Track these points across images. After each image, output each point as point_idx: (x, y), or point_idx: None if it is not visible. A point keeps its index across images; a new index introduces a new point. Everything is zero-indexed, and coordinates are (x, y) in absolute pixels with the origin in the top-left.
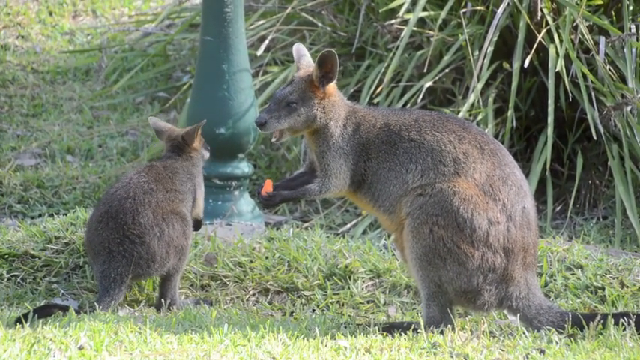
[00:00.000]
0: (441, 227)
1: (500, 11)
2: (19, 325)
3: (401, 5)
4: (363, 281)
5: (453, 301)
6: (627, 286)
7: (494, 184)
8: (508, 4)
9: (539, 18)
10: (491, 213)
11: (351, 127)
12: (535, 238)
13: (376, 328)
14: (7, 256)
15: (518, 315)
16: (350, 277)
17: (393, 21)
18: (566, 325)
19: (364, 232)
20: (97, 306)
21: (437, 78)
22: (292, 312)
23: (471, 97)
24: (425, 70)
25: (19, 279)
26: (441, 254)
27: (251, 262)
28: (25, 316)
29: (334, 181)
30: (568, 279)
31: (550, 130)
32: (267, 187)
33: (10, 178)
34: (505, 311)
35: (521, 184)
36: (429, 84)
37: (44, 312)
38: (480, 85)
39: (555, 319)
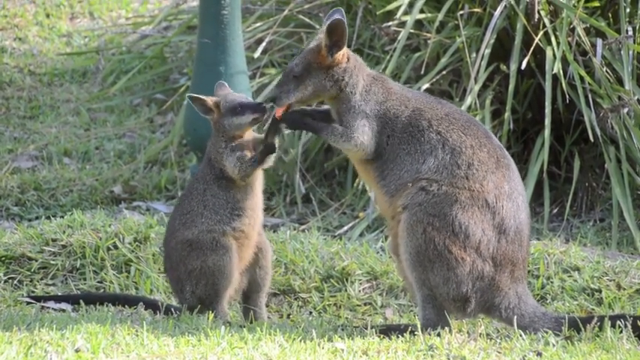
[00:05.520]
0: (435, 229)
1: (497, 13)
2: (15, 328)
3: (398, 7)
4: (360, 283)
5: (444, 308)
6: (624, 289)
7: (499, 197)
8: (505, 6)
9: (536, 20)
10: (487, 224)
11: (377, 95)
12: (525, 254)
13: (373, 330)
14: (3, 258)
15: (514, 324)
16: (347, 280)
17: (390, 23)
18: (562, 330)
19: (361, 235)
20: None
21: (434, 80)
22: (289, 314)
23: (468, 99)
24: (422, 72)
25: (15, 281)
26: (430, 257)
27: None
28: None
29: (358, 135)
30: (565, 281)
31: (547, 132)
32: (279, 111)
33: (7, 180)
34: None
35: (522, 200)
36: (426, 86)
37: None
38: (477, 87)
39: (551, 325)
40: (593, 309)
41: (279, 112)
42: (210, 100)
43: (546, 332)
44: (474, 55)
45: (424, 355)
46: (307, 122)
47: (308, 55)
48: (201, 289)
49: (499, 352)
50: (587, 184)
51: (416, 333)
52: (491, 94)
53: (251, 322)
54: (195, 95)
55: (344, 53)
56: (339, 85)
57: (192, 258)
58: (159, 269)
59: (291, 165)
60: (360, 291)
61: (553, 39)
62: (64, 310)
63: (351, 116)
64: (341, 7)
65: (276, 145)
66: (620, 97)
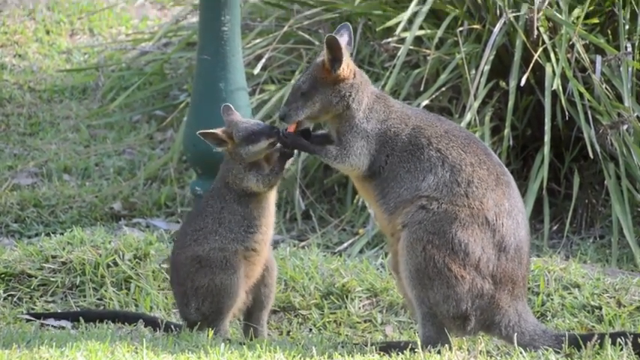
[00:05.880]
0: (435, 246)
1: (496, 30)
2: (15, 345)
3: (397, 24)
4: (360, 300)
5: (444, 325)
6: (624, 306)
7: (499, 215)
8: (504, 22)
9: (535, 37)
10: (487, 242)
11: (379, 114)
12: (525, 272)
13: (373, 347)
14: (3, 275)
15: (514, 342)
16: (347, 297)
17: (389, 39)
18: (562, 347)
19: (361, 251)
20: None
21: (433, 96)
22: (289, 331)
23: (468, 116)
24: (422, 89)
25: (15, 299)
26: (430, 275)
27: None
28: None
29: (352, 158)
30: (565, 298)
31: (547, 148)
32: (290, 129)
33: (7, 197)
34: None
35: (522, 217)
36: (425, 102)
37: None
38: (476, 104)
39: (551, 343)
40: (593, 326)
41: (290, 128)
42: (221, 132)
43: (546, 350)
44: (473, 71)
45: None
46: (303, 143)
47: (314, 72)
48: (207, 306)
49: None
50: (586, 200)
51: (416, 350)
52: (491, 111)
53: (251, 339)
54: (206, 131)
55: (351, 69)
56: (345, 101)
57: (201, 275)
58: (159, 286)
59: (291, 181)
60: (360, 308)
61: (552, 55)
62: (63, 328)
63: (352, 135)
64: (347, 22)
65: (293, 151)
66: (619, 114)
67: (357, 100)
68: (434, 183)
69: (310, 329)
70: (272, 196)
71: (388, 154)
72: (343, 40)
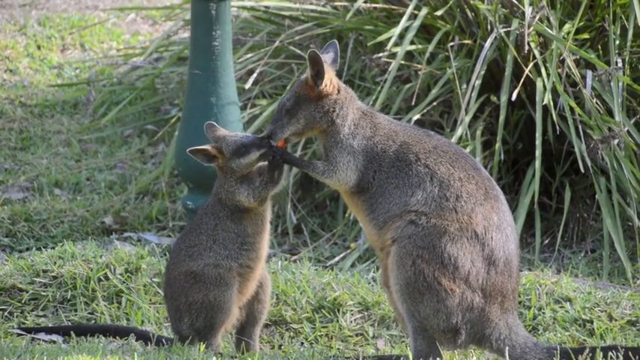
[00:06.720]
0: (425, 261)
1: (487, 45)
2: (5, 359)
3: (389, 39)
4: (352, 314)
5: (435, 339)
6: (615, 320)
7: (488, 229)
8: (495, 37)
9: (526, 52)
10: (476, 256)
11: (365, 130)
12: (515, 285)
13: None
14: None
15: (505, 355)
16: (338, 310)
17: (380, 54)
18: None
19: (353, 265)
20: None
21: (425, 111)
22: (281, 345)
23: (459, 130)
24: (413, 103)
25: (6, 313)
26: (420, 289)
27: None
28: None
29: (339, 173)
30: (556, 312)
31: (538, 163)
32: (279, 145)
33: None
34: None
35: (511, 231)
36: (417, 117)
37: None
38: (467, 118)
39: (542, 356)
40: (584, 340)
41: (279, 145)
42: (211, 148)
43: None
44: (464, 86)
45: None
46: (291, 157)
47: (297, 88)
48: (200, 321)
49: None
50: (578, 214)
51: None
52: (482, 125)
53: (243, 353)
54: (196, 148)
55: (334, 85)
56: (329, 117)
57: (195, 290)
58: (150, 300)
59: (283, 195)
60: (351, 322)
61: (543, 70)
62: (54, 342)
63: (338, 151)
64: (334, 40)
65: (280, 160)
66: (610, 129)
67: (342, 115)
68: (422, 198)
69: (302, 343)
70: (267, 214)
71: (376, 170)
72: (329, 57)
